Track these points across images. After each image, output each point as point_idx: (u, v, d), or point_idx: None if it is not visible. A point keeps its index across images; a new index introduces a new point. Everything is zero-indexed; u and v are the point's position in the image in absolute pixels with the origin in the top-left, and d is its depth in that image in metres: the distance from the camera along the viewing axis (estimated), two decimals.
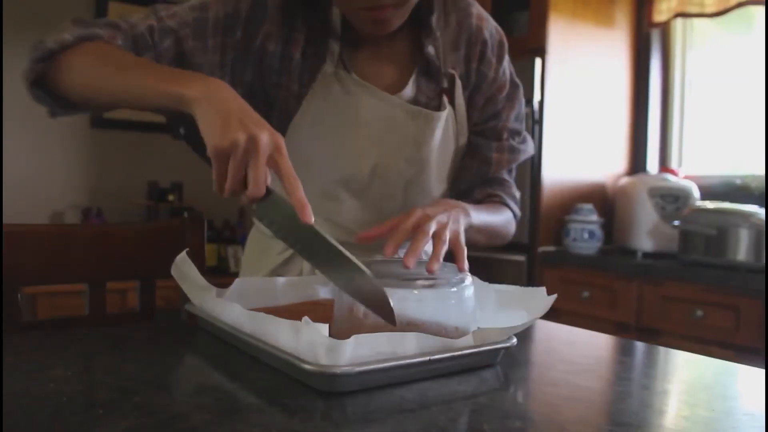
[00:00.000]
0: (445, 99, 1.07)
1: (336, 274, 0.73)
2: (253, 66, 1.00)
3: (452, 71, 1.07)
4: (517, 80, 1.16)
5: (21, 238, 1.04)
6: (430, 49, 1.04)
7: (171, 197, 3.36)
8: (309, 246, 0.74)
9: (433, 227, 0.85)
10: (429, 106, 1.06)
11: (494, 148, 1.14)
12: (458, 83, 1.08)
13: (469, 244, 1.05)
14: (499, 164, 1.15)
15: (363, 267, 0.73)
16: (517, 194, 1.20)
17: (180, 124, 0.75)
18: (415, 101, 1.05)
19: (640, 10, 3.02)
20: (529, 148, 1.19)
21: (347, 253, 0.73)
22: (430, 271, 0.78)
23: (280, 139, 0.73)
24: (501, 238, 1.13)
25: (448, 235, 0.86)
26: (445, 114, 1.06)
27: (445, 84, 1.07)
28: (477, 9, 1.10)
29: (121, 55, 0.88)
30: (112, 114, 3.40)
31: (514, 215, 1.17)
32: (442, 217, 0.87)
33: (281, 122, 1.02)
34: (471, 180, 1.15)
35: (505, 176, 1.19)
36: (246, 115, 0.73)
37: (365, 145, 1.04)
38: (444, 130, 1.07)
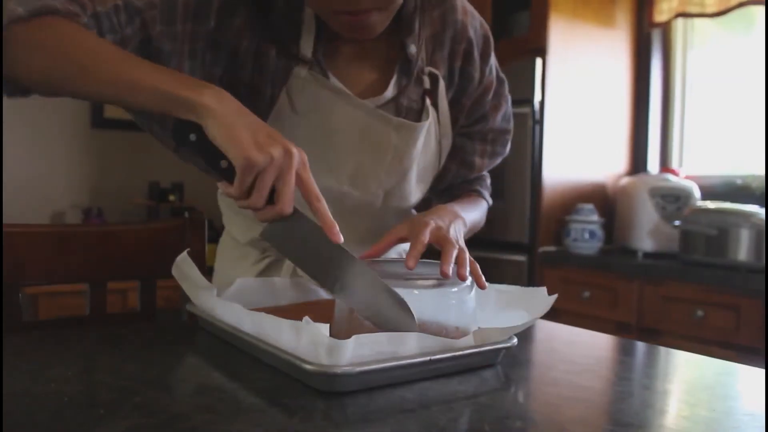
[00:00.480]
0: (428, 102, 1.02)
1: (357, 294, 0.72)
2: (225, 61, 0.90)
3: (435, 71, 1.02)
4: (502, 75, 1.13)
5: (22, 238, 1.04)
6: (412, 49, 0.97)
7: (172, 197, 3.36)
8: (328, 266, 0.72)
9: (452, 239, 0.85)
10: (411, 110, 1.01)
11: (478, 152, 1.13)
12: (441, 83, 1.03)
13: None
14: (480, 168, 1.15)
15: (391, 289, 0.71)
16: (489, 181, 1.20)
17: (189, 131, 0.70)
18: (396, 104, 0.99)
19: (641, 10, 3.02)
20: (506, 151, 1.19)
21: (374, 274, 0.72)
22: (463, 278, 0.78)
23: (305, 156, 0.72)
24: (474, 232, 1.12)
25: (464, 245, 0.87)
26: (428, 122, 1.01)
27: (428, 84, 1.02)
28: (461, 2, 1.04)
29: (97, 43, 0.78)
30: (112, 114, 3.40)
31: (488, 204, 1.18)
32: (452, 231, 0.88)
33: None
34: (451, 180, 1.15)
35: (485, 173, 1.20)
36: (267, 128, 0.72)
37: (341, 156, 0.97)
38: (426, 136, 1.03)
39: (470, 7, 1.07)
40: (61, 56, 0.77)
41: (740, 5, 2.62)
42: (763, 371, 0.79)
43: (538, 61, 2.72)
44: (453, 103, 1.07)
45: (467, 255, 0.83)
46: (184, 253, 0.91)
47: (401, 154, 1.00)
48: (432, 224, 0.86)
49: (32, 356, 0.76)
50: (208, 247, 1.21)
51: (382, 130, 0.98)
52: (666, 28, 3.02)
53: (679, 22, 2.99)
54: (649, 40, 3.02)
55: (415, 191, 1.08)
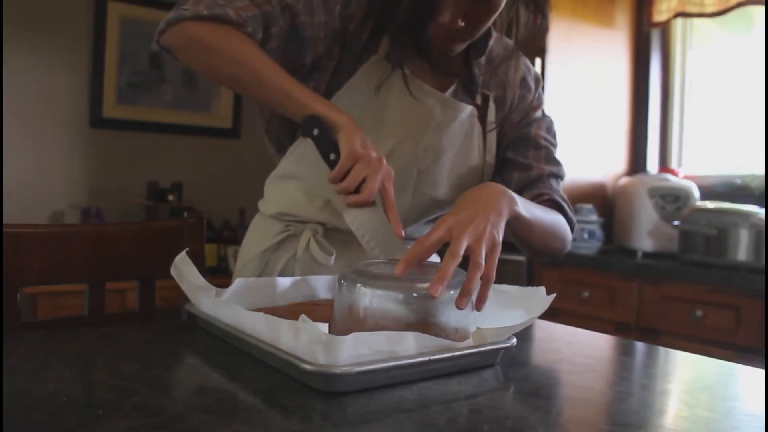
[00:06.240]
0: (476, 113, 1.11)
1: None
2: (340, 41, 1.05)
3: (488, 92, 1.13)
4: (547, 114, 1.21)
5: (20, 238, 1.03)
6: (476, 69, 1.11)
7: (171, 197, 3.35)
8: (381, 247, 0.89)
9: (463, 245, 0.78)
10: None
11: (531, 156, 1.14)
12: (492, 105, 1.13)
13: (522, 244, 1.03)
14: (538, 170, 1.12)
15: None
16: (564, 196, 1.13)
17: (313, 127, 0.90)
18: None
19: (640, 10, 3.02)
20: (560, 168, 1.16)
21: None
22: (459, 308, 0.75)
23: (392, 171, 0.90)
24: (557, 240, 1.06)
25: (483, 255, 0.78)
26: (470, 109, 1.10)
27: (479, 101, 1.12)
28: (522, 56, 1.17)
29: (255, 57, 0.93)
30: (111, 114, 3.41)
31: (568, 219, 1.10)
32: (469, 232, 0.79)
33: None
34: (515, 188, 1.11)
35: (552, 182, 1.14)
36: (371, 142, 0.90)
37: (388, 127, 1.06)
38: (467, 136, 1.10)
39: (528, 62, 1.19)
40: (224, 66, 0.95)
41: (739, 5, 2.62)
42: (762, 371, 0.79)
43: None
44: (504, 120, 1.15)
45: (479, 273, 0.77)
46: (183, 253, 0.91)
47: (441, 131, 1.08)
48: (449, 221, 0.80)
49: (31, 356, 0.75)
50: (206, 247, 1.21)
51: (431, 105, 1.08)
52: (665, 28, 3.02)
53: (679, 22, 2.99)
54: (648, 40, 3.03)
55: (446, 187, 1.10)
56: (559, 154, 1.18)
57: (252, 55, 0.93)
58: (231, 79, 0.97)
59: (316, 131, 0.91)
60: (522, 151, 1.15)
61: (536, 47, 1.18)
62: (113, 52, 3.35)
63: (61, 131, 3.28)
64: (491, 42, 1.12)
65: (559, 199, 1.11)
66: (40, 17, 3.17)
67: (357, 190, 0.87)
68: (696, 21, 2.94)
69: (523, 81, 1.17)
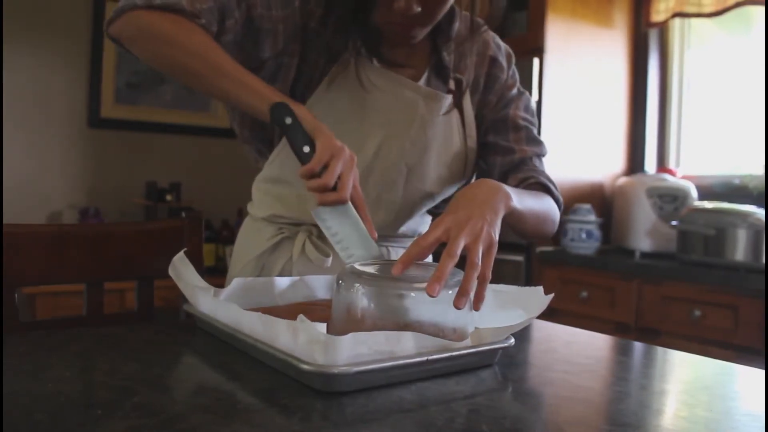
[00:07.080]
0: (451, 99, 1.11)
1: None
2: (300, 38, 1.03)
3: (460, 76, 1.13)
4: (523, 89, 1.20)
5: (19, 238, 1.03)
6: (445, 54, 1.10)
7: (169, 197, 3.35)
8: (355, 248, 0.87)
9: (461, 245, 0.77)
10: None
11: (512, 139, 1.15)
12: (466, 88, 1.13)
13: (516, 232, 1.04)
14: (521, 152, 1.14)
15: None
16: (551, 178, 1.15)
17: (285, 116, 0.86)
18: None
19: (638, 10, 3.02)
20: (542, 147, 1.18)
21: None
22: (457, 308, 0.74)
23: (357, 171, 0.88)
24: (548, 225, 1.08)
25: (480, 255, 0.78)
26: (449, 100, 1.10)
27: (453, 86, 1.12)
28: (490, 32, 1.18)
29: (210, 48, 0.90)
30: (110, 114, 3.40)
31: (556, 200, 1.12)
32: (466, 232, 0.78)
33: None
34: (499, 172, 1.15)
35: (536, 163, 1.16)
36: None
37: (372, 125, 1.06)
38: (447, 125, 1.10)
39: (497, 38, 1.20)
40: (177, 57, 0.91)
41: (737, 5, 2.62)
42: (762, 371, 0.80)
43: (536, 61, 2.72)
44: (480, 103, 1.15)
45: (476, 274, 0.76)
46: (181, 253, 0.91)
47: (426, 124, 1.08)
48: (446, 221, 0.79)
49: (30, 356, 0.75)
50: (205, 247, 1.21)
51: (412, 99, 1.07)
52: (663, 28, 3.02)
53: (677, 22, 2.99)
54: (646, 40, 3.03)
55: (434, 179, 1.11)
56: (537, 133, 1.19)
57: (207, 47, 0.90)
58: (184, 70, 0.92)
59: (289, 120, 0.86)
60: (503, 134, 1.15)
61: (494, 25, 1.17)
62: (112, 52, 3.35)
63: (60, 131, 3.28)
64: (456, 24, 1.10)
65: (545, 181, 1.13)
66: (39, 17, 3.17)
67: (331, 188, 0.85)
68: (694, 21, 2.94)
69: (495, 60, 1.16)
